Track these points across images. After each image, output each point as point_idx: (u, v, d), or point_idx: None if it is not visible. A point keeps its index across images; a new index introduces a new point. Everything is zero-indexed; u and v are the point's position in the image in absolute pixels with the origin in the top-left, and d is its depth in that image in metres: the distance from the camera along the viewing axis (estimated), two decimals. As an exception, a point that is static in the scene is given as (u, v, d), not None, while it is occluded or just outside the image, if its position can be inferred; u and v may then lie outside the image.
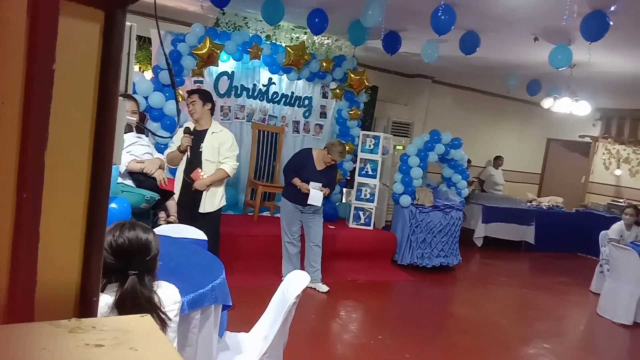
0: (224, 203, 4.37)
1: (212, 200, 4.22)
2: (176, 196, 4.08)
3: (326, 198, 5.14)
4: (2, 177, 0.82)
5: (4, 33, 0.79)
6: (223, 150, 4.18)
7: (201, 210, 4.17)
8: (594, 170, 10.55)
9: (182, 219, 3.86)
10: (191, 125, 4.25)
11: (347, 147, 5.14)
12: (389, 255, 6.44)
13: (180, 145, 4.07)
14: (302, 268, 5.11)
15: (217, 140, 4.18)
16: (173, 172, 4.53)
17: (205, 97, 4.21)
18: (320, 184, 4.97)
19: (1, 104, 0.80)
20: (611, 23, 4.34)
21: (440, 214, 6.50)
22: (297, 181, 4.96)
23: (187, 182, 4.16)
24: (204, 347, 2.18)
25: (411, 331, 4.47)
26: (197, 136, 4.14)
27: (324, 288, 5.14)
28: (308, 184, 4.93)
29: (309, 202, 4.93)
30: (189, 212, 4.08)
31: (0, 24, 0.78)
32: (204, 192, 4.17)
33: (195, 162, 4.14)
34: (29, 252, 0.86)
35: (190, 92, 4.29)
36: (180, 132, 4.18)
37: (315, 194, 4.92)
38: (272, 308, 2.65)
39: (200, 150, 4.14)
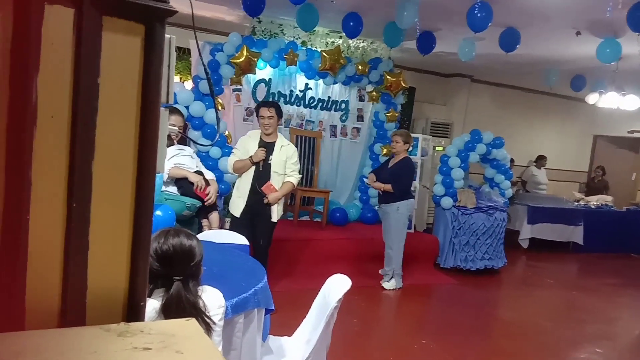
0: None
1: (280, 209, 4.39)
2: (242, 205, 4.26)
3: (392, 194, 5.16)
4: (54, 187, 0.86)
5: (52, 51, 0.83)
6: (290, 164, 4.33)
7: (274, 219, 4.32)
8: (645, 166, 10.12)
9: (244, 225, 4.13)
10: (255, 136, 4.36)
11: (403, 137, 5.25)
12: (432, 259, 6.35)
13: (254, 156, 4.20)
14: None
15: (285, 154, 4.31)
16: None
17: (280, 113, 4.38)
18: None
19: (51, 117, 0.84)
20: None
21: (484, 215, 6.36)
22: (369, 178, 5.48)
23: (255, 192, 4.25)
24: (248, 351, 2.21)
25: (455, 335, 4.39)
26: (266, 147, 4.27)
27: (387, 285, 5.38)
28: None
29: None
30: (251, 219, 4.27)
31: (48, 42, 0.82)
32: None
33: (264, 174, 4.26)
34: (80, 260, 0.90)
35: (267, 105, 4.36)
36: (243, 141, 4.38)
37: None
38: (314, 312, 2.65)
39: (270, 162, 4.26)
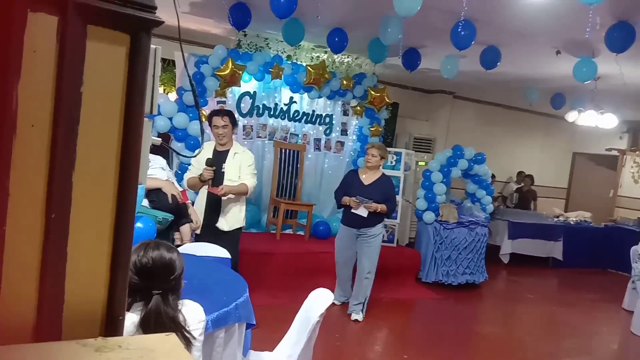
0: (244, 224, 4.33)
1: (236, 218, 4.18)
2: (201, 217, 4.04)
3: (385, 214, 4.79)
4: (32, 198, 0.84)
5: (34, 58, 0.82)
6: (244, 167, 4.15)
7: (220, 226, 4.11)
8: (622, 183, 10.31)
9: (205, 238, 3.83)
10: (210, 147, 4.20)
11: (380, 151, 4.84)
12: (413, 273, 6.36)
13: (201, 175, 4.02)
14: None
15: (240, 160, 4.17)
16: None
17: (235, 121, 4.22)
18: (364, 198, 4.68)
19: (31, 126, 0.83)
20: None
21: (465, 230, 6.40)
22: (345, 199, 4.76)
23: (211, 203, 4.11)
24: (228, 367, 2.17)
25: (437, 350, 4.38)
26: (219, 156, 4.12)
27: (355, 317, 4.86)
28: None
29: (352, 210, 4.73)
30: (212, 230, 4.07)
31: (30, 50, 0.81)
32: (227, 210, 4.14)
33: (218, 182, 4.09)
34: (57, 272, 0.87)
35: (220, 114, 4.16)
36: (202, 153, 4.14)
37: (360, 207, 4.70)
38: (296, 327, 2.63)
39: (223, 170, 4.10)
